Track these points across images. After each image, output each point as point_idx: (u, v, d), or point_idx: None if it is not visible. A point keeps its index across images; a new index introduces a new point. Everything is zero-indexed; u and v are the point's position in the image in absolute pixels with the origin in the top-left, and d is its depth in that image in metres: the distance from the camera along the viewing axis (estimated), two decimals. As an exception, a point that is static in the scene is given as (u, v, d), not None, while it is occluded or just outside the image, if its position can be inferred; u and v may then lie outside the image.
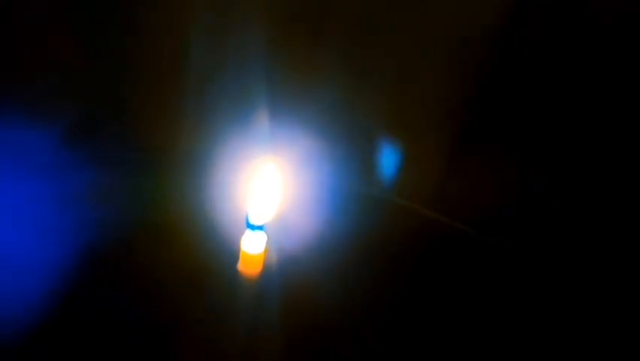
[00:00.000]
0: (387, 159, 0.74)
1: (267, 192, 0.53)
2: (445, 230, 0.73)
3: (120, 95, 0.71)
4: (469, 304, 0.64)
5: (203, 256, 0.57)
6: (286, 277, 0.56)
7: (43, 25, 0.66)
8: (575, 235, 0.69)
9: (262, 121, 0.68)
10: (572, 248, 0.69)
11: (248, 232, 0.53)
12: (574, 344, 0.60)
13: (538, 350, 0.59)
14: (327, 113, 0.72)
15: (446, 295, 0.65)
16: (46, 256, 0.57)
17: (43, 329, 0.52)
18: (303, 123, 0.71)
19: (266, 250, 0.54)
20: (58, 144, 0.68)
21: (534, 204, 0.71)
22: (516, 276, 0.68)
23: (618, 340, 0.60)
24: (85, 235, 0.59)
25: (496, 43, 0.67)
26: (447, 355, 0.59)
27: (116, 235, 0.60)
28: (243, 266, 0.54)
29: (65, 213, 0.61)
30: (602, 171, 0.68)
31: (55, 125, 0.68)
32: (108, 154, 0.70)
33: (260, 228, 0.53)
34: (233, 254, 0.54)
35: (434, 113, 0.73)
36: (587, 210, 0.69)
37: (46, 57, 0.67)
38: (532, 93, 0.68)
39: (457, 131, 0.72)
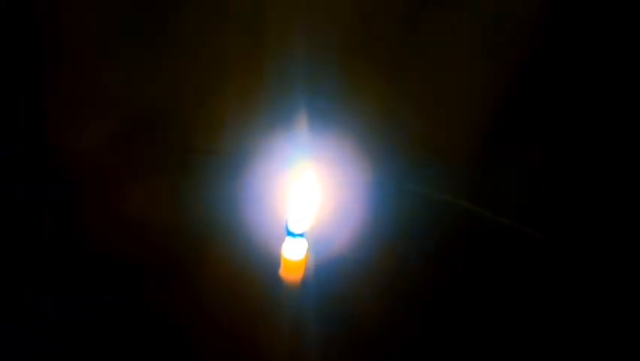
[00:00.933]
0: (426, 155, 0.74)
1: (307, 199, 0.54)
2: (486, 224, 0.72)
3: (165, 99, 0.72)
4: (514, 299, 0.64)
5: (244, 262, 0.58)
6: (328, 282, 0.57)
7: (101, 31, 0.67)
8: (612, 230, 0.68)
9: (302, 126, 0.69)
10: (607, 243, 0.68)
11: (288, 239, 0.54)
12: (609, 337, 0.59)
13: (577, 344, 0.59)
14: (366, 113, 0.71)
15: (491, 291, 0.65)
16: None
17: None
18: (341, 126, 0.71)
19: (307, 257, 0.54)
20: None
21: (572, 198, 0.70)
22: (558, 270, 0.67)
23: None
24: (123, 237, 0.61)
25: (532, 36, 0.66)
26: (493, 351, 0.59)
27: (158, 239, 0.61)
28: (284, 272, 0.55)
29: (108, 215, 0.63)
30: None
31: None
32: (154, 157, 0.71)
33: (300, 235, 0.54)
34: (275, 260, 0.55)
35: (472, 107, 0.72)
36: (625, 206, 0.68)
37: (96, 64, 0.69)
38: (570, 87, 0.67)
39: (495, 124, 0.71)
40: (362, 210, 0.65)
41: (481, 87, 0.70)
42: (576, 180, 0.70)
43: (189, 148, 0.73)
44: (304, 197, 0.54)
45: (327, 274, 0.57)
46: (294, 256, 0.54)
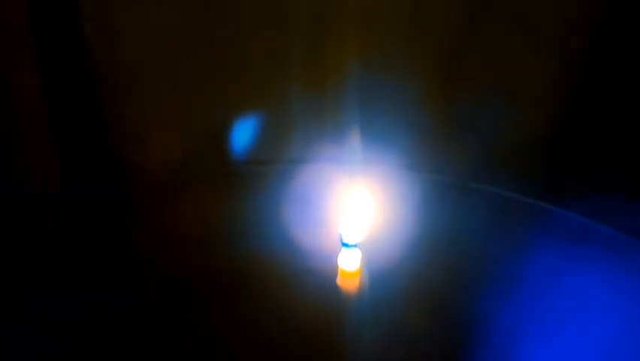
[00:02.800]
0: (494, 154, 0.72)
1: (360, 211, 0.55)
2: (560, 223, 0.70)
3: (222, 112, 0.74)
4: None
5: (303, 270, 0.60)
6: (384, 291, 0.57)
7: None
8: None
9: (357, 134, 0.69)
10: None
11: (343, 250, 0.55)
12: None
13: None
14: (425, 115, 0.71)
15: (561, 290, 0.63)
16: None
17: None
18: (399, 131, 0.71)
19: (362, 267, 0.55)
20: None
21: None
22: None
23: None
24: (181, 248, 0.63)
25: (600, 32, 0.63)
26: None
27: (215, 249, 0.63)
28: (341, 281, 0.56)
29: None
30: None
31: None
32: (211, 171, 0.74)
33: (354, 246, 0.54)
34: (333, 269, 0.56)
35: (546, 106, 0.70)
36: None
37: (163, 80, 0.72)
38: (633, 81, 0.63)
39: (563, 120, 0.69)
40: (421, 214, 0.65)
41: (546, 85, 0.68)
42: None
43: (247, 160, 0.75)
44: (359, 208, 0.55)
45: (382, 284, 0.57)
46: (349, 266, 0.55)
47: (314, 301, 0.57)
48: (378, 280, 0.56)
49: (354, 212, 0.55)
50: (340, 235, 0.54)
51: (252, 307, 0.58)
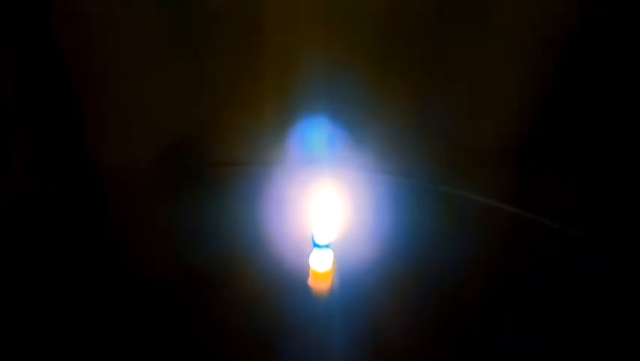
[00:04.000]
0: (465, 158, 0.74)
1: (331, 211, 0.56)
2: (528, 226, 0.72)
3: (201, 113, 0.75)
4: (558, 301, 0.63)
5: (274, 271, 0.60)
6: (355, 291, 0.58)
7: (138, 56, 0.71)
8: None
9: (329, 137, 0.70)
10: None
11: (315, 251, 0.56)
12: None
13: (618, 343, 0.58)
14: (398, 118, 0.72)
15: (529, 292, 0.64)
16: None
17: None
18: (372, 134, 0.72)
19: (333, 267, 0.56)
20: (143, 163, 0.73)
21: (615, 199, 0.68)
22: (598, 270, 0.66)
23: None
24: (155, 248, 0.64)
25: (570, 37, 0.64)
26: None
27: (189, 248, 0.64)
28: (312, 282, 0.57)
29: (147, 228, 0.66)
30: None
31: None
32: (185, 171, 0.74)
33: (326, 246, 0.56)
34: (304, 270, 0.57)
35: (512, 110, 0.71)
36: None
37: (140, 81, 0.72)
38: (611, 90, 0.65)
39: (536, 127, 0.70)
40: (392, 216, 0.66)
41: (521, 92, 0.69)
42: (616, 180, 0.68)
43: (218, 161, 0.76)
44: (330, 209, 0.56)
45: (354, 283, 0.58)
46: (320, 266, 0.56)
47: (285, 301, 0.58)
48: (350, 280, 0.57)
49: (325, 213, 0.56)
50: (312, 236, 0.55)
51: (223, 308, 0.59)
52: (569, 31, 0.65)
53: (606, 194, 0.68)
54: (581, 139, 0.68)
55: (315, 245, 0.55)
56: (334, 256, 0.56)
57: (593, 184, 0.69)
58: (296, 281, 0.57)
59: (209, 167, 0.76)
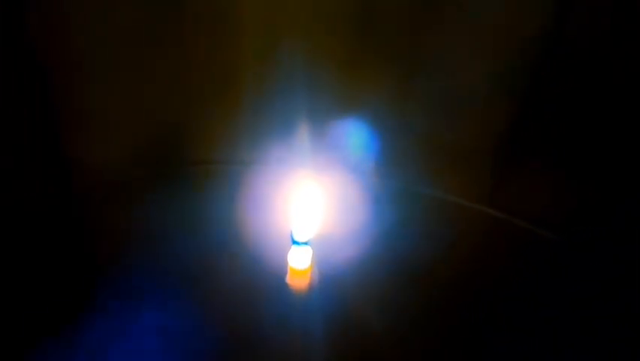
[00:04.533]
0: (440, 159, 0.74)
1: (311, 208, 0.55)
2: (501, 227, 0.72)
3: (174, 114, 0.74)
4: (529, 304, 0.63)
5: (252, 269, 0.60)
6: (334, 288, 0.58)
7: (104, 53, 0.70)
8: (626, 233, 0.67)
9: (307, 135, 0.70)
10: (622, 245, 0.67)
11: (293, 248, 0.55)
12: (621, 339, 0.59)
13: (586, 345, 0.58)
14: (374, 120, 0.72)
15: (504, 293, 0.65)
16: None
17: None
18: (349, 133, 0.71)
19: (312, 265, 0.55)
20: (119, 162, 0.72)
21: (588, 201, 0.69)
22: (572, 272, 0.66)
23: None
24: (136, 249, 0.63)
25: (546, 38, 0.65)
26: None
27: (165, 248, 0.63)
28: (291, 280, 0.56)
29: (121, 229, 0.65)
30: None
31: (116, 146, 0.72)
32: (162, 171, 0.73)
33: (305, 243, 0.55)
34: (282, 268, 0.56)
35: (486, 113, 0.72)
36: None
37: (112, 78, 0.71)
38: (585, 90, 0.66)
39: (511, 129, 0.71)
40: (369, 216, 0.66)
41: (495, 94, 0.70)
42: (591, 182, 0.69)
43: (195, 160, 0.75)
44: (309, 206, 0.55)
45: (333, 281, 0.58)
46: (299, 264, 0.55)
47: (263, 299, 0.57)
48: (328, 277, 0.57)
49: (304, 210, 0.55)
50: (291, 233, 0.54)
51: (200, 306, 0.57)
52: (546, 29, 0.66)
53: (585, 195, 0.69)
54: (560, 139, 0.69)
55: (294, 242, 0.54)
56: (313, 254, 0.55)
57: (571, 185, 0.70)
58: (274, 279, 0.56)
59: (185, 166, 0.75)
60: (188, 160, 0.75)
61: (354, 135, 0.71)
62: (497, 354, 0.59)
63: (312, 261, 0.55)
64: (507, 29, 0.67)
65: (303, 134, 0.70)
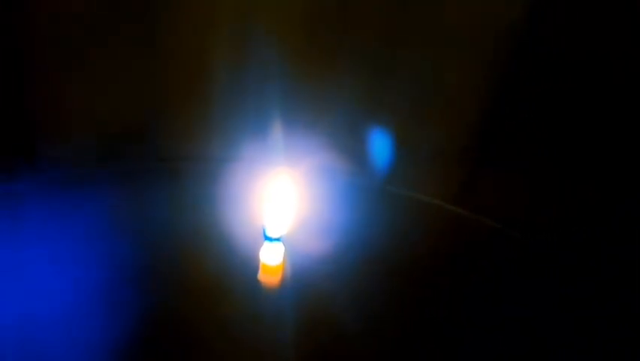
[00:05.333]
0: (409, 158, 0.74)
1: (283, 203, 0.55)
2: (470, 226, 0.73)
3: (143, 109, 0.73)
4: (496, 301, 0.64)
5: (224, 266, 0.59)
6: (306, 286, 0.58)
7: (71, 41, 0.68)
8: (596, 233, 0.69)
9: (280, 131, 0.69)
10: (591, 245, 0.68)
11: (266, 244, 0.54)
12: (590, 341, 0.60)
13: (557, 347, 0.59)
14: (346, 116, 0.72)
15: (472, 293, 0.65)
16: (75, 266, 0.59)
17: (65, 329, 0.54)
18: (321, 131, 0.71)
19: (284, 261, 0.55)
20: (85, 158, 0.71)
21: (558, 201, 0.71)
22: (538, 270, 0.67)
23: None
24: (107, 248, 0.61)
25: (515, 40, 0.66)
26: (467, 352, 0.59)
27: (136, 246, 0.62)
28: (263, 276, 0.55)
29: (91, 225, 0.64)
30: (628, 172, 0.67)
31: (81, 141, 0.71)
32: (131, 166, 0.72)
33: (277, 239, 0.54)
34: (254, 264, 0.56)
35: (456, 111, 0.72)
36: (609, 210, 0.68)
37: (75, 73, 0.69)
38: (558, 89, 0.67)
39: (480, 127, 0.72)
40: (341, 214, 0.66)
41: (465, 92, 0.71)
42: (559, 181, 0.70)
43: (166, 156, 0.74)
44: (281, 202, 0.55)
45: (305, 278, 0.58)
46: (271, 260, 0.55)
47: (235, 295, 0.57)
48: (301, 274, 0.56)
49: (276, 206, 0.55)
50: (263, 229, 0.54)
51: (171, 304, 0.57)
52: (519, 26, 0.67)
53: (555, 194, 0.70)
54: (531, 139, 0.70)
55: (267, 238, 0.54)
56: (285, 250, 0.55)
57: (541, 185, 0.71)
58: (246, 275, 0.55)
59: (156, 162, 0.74)
60: (158, 156, 0.74)
61: (327, 133, 0.71)
62: (465, 351, 0.59)
63: (284, 257, 0.55)
64: (480, 27, 0.68)
65: (275, 131, 0.69)
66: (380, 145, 0.74)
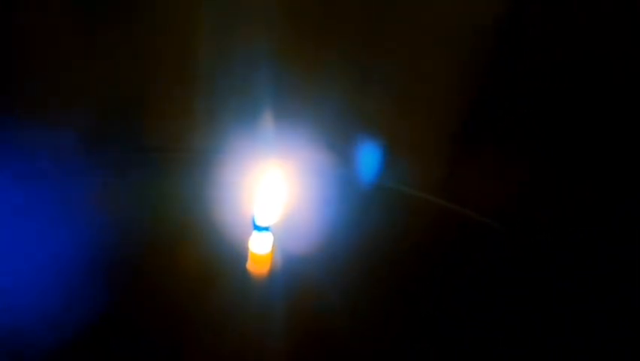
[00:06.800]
0: (394, 150, 0.75)
1: (272, 193, 0.55)
2: (454, 218, 0.73)
3: (127, 96, 0.72)
4: (484, 294, 0.65)
5: (212, 256, 0.59)
6: (294, 275, 0.58)
7: (53, 27, 0.68)
8: (577, 225, 0.70)
9: (268, 121, 0.70)
10: (573, 237, 0.69)
11: (255, 233, 0.55)
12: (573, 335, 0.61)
13: (540, 340, 0.60)
14: (332, 108, 0.72)
15: (456, 285, 0.66)
16: (56, 258, 0.59)
17: (53, 328, 0.54)
18: (308, 122, 0.72)
19: (273, 250, 0.55)
20: (68, 146, 0.70)
21: (539, 193, 0.71)
22: (525, 264, 0.68)
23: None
24: (94, 237, 0.61)
25: (499, 32, 0.67)
26: (457, 347, 0.60)
27: (125, 236, 0.62)
28: (251, 266, 0.56)
29: (74, 216, 0.63)
30: (609, 166, 0.69)
31: (64, 128, 0.70)
32: (116, 156, 0.72)
33: (266, 229, 0.55)
34: (242, 254, 0.56)
35: (440, 104, 0.73)
36: (590, 202, 0.69)
37: (56, 58, 0.69)
38: (539, 83, 0.68)
39: (464, 120, 0.72)
40: (329, 204, 0.66)
41: (449, 84, 0.71)
42: (548, 172, 0.71)
43: (155, 146, 0.74)
44: (271, 192, 0.55)
45: (294, 267, 0.58)
46: (260, 249, 0.55)
47: (223, 284, 0.57)
48: (289, 263, 0.57)
49: (265, 196, 0.55)
50: (252, 218, 0.54)
51: (161, 293, 0.57)
52: (502, 17, 0.67)
53: (539, 185, 0.71)
54: (515, 130, 0.71)
55: (256, 227, 0.54)
56: (274, 239, 0.55)
57: (524, 176, 0.72)
58: (235, 264, 0.56)
59: (143, 152, 0.74)
60: (145, 147, 0.74)
61: (314, 125, 0.72)
62: (455, 342, 0.60)
63: (273, 247, 0.55)
64: (463, 17, 0.68)
65: (264, 122, 0.70)
66: (366, 137, 0.74)
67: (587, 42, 0.65)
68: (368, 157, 0.74)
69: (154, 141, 0.74)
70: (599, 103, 0.67)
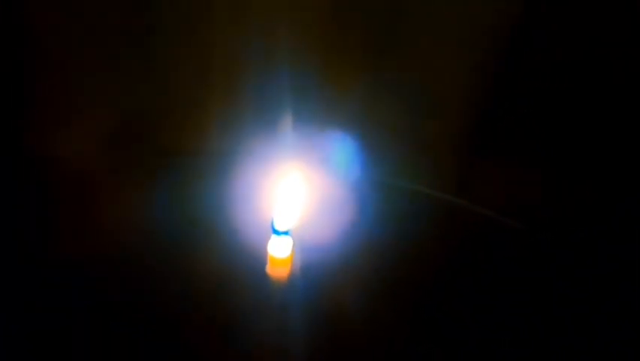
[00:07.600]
0: (411, 150, 0.75)
1: (291, 198, 0.55)
2: (471, 217, 0.74)
3: (148, 100, 0.72)
4: (499, 292, 0.65)
5: (232, 259, 0.60)
6: (313, 279, 0.58)
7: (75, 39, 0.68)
8: (577, 224, 0.70)
9: (287, 125, 0.70)
10: (574, 237, 0.69)
11: (274, 237, 0.55)
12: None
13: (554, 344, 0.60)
14: (351, 110, 0.72)
15: (477, 285, 0.66)
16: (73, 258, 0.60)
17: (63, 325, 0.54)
18: (326, 125, 0.72)
19: (292, 254, 0.56)
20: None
21: (540, 192, 0.72)
22: (537, 260, 0.68)
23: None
24: (112, 238, 0.62)
25: (512, 34, 0.67)
26: (477, 344, 0.60)
27: (145, 238, 0.62)
28: (271, 269, 0.56)
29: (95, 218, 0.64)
30: (609, 166, 0.69)
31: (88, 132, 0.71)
32: (137, 159, 0.72)
33: (285, 233, 0.55)
34: (262, 257, 0.56)
35: (455, 103, 0.73)
36: (590, 202, 0.70)
37: (80, 66, 0.69)
38: (539, 83, 0.68)
39: (478, 120, 0.72)
40: (347, 207, 0.66)
41: (464, 83, 0.71)
42: (557, 173, 0.71)
43: (176, 150, 0.74)
44: (290, 195, 0.55)
45: (313, 271, 0.58)
46: (279, 253, 0.55)
47: (243, 288, 0.57)
48: (309, 267, 0.57)
49: (284, 200, 0.55)
50: (271, 222, 0.54)
51: (181, 296, 0.57)
52: (515, 18, 0.67)
53: (551, 185, 0.71)
54: (528, 131, 0.71)
55: (275, 231, 0.55)
56: (293, 243, 0.55)
57: (537, 176, 0.72)
58: (254, 268, 0.56)
59: (162, 156, 0.74)
60: (164, 151, 0.74)
61: (329, 126, 0.72)
62: (465, 341, 0.60)
63: (292, 250, 0.55)
64: (476, 19, 0.68)
65: (283, 126, 0.70)
66: (380, 138, 0.74)
67: (589, 43, 0.65)
68: (384, 159, 0.74)
69: (174, 145, 0.74)
70: (598, 103, 0.67)
